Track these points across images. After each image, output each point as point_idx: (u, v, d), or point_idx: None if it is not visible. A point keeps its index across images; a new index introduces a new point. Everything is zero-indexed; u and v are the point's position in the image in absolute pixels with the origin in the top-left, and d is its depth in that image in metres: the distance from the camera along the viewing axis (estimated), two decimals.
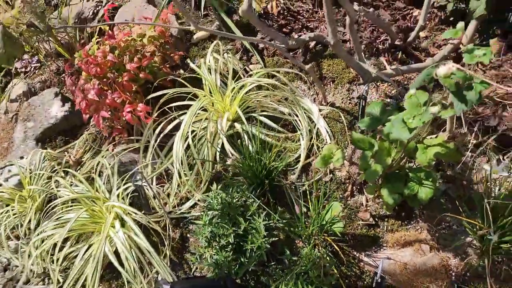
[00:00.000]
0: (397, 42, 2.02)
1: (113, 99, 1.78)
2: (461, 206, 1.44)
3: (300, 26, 2.24)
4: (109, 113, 1.79)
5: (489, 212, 1.21)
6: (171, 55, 1.99)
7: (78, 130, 2.16)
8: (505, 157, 1.61)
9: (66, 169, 1.94)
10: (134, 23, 1.98)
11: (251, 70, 2.08)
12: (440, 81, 1.09)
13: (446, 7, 2.14)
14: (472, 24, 2.06)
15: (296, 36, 2.19)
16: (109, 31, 1.90)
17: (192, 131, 1.77)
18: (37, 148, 2.08)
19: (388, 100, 1.85)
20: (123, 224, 1.66)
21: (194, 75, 1.95)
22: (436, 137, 1.43)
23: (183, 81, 1.86)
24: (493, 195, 1.35)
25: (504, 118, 1.70)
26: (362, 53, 1.85)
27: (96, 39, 1.91)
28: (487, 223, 1.24)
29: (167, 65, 1.95)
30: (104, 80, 1.83)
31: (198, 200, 1.72)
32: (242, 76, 2.00)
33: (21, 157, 2.06)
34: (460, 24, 1.13)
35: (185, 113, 1.79)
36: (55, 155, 2.04)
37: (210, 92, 1.88)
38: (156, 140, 1.82)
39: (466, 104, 1.08)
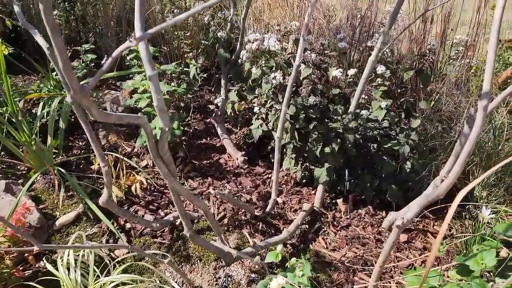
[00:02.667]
0: (257, 213, 2.17)
1: None
2: None
3: (167, 202, 2.30)
4: None
5: None
6: (25, 254, 1.87)
7: None
8: None
9: None
10: None
11: (116, 256, 2.03)
12: None
13: (297, 173, 2.40)
14: (320, 187, 2.32)
15: (162, 214, 2.24)
16: None
17: None
18: None
19: (253, 275, 1.91)
20: None
21: (49, 272, 1.84)
22: None
23: (38, 285, 1.73)
24: None
25: (355, 283, 1.85)
26: (223, 234, 1.93)
27: None
28: None
29: (21, 268, 1.82)
30: None
31: None
32: (108, 262, 1.94)
33: None
34: (279, 247, 1.26)
35: None
36: None
37: None
38: None
39: None
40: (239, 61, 2.42)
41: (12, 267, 1.80)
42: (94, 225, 2.19)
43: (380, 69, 2.17)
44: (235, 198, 2.26)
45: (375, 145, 2.24)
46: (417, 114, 2.30)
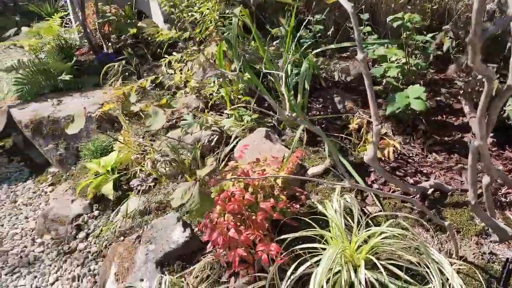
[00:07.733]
0: None
1: (247, 236, 1.86)
2: None
3: (414, 171, 2.32)
4: (243, 249, 1.85)
5: None
6: (296, 194, 2.10)
7: (195, 256, 2.22)
8: None
9: None
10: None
11: (368, 212, 2.13)
12: None
13: None
14: None
15: (411, 181, 2.26)
16: (244, 169, 2.06)
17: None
18: (157, 271, 2.14)
19: None
20: None
21: (313, 213, 2.02)
22: None
23: (310, 221, 1.93)
24: None
25: None
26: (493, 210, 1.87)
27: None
28: None
29: (293, 203, 2.05)
30: (238, 216, 1.93)
31: None
32: (359, 217, 2.05)
33: (141, 279, 2.12)
34: None
35: (314, 254, 1.82)
36: (174, 281, 2.09)
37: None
38: (287, 281, 1.81)
39: None
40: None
41: (287, 202, 2.03)
42: (341, 180, 2.33)
43: None
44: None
45: None
46: None
